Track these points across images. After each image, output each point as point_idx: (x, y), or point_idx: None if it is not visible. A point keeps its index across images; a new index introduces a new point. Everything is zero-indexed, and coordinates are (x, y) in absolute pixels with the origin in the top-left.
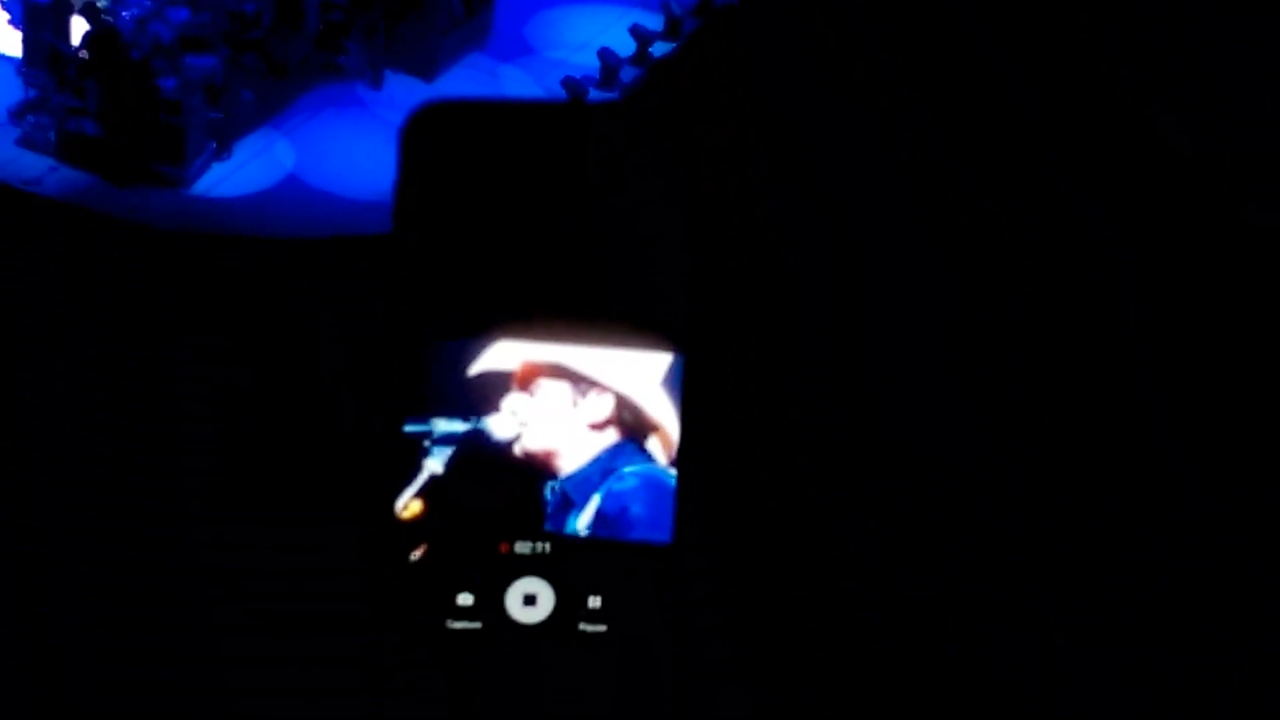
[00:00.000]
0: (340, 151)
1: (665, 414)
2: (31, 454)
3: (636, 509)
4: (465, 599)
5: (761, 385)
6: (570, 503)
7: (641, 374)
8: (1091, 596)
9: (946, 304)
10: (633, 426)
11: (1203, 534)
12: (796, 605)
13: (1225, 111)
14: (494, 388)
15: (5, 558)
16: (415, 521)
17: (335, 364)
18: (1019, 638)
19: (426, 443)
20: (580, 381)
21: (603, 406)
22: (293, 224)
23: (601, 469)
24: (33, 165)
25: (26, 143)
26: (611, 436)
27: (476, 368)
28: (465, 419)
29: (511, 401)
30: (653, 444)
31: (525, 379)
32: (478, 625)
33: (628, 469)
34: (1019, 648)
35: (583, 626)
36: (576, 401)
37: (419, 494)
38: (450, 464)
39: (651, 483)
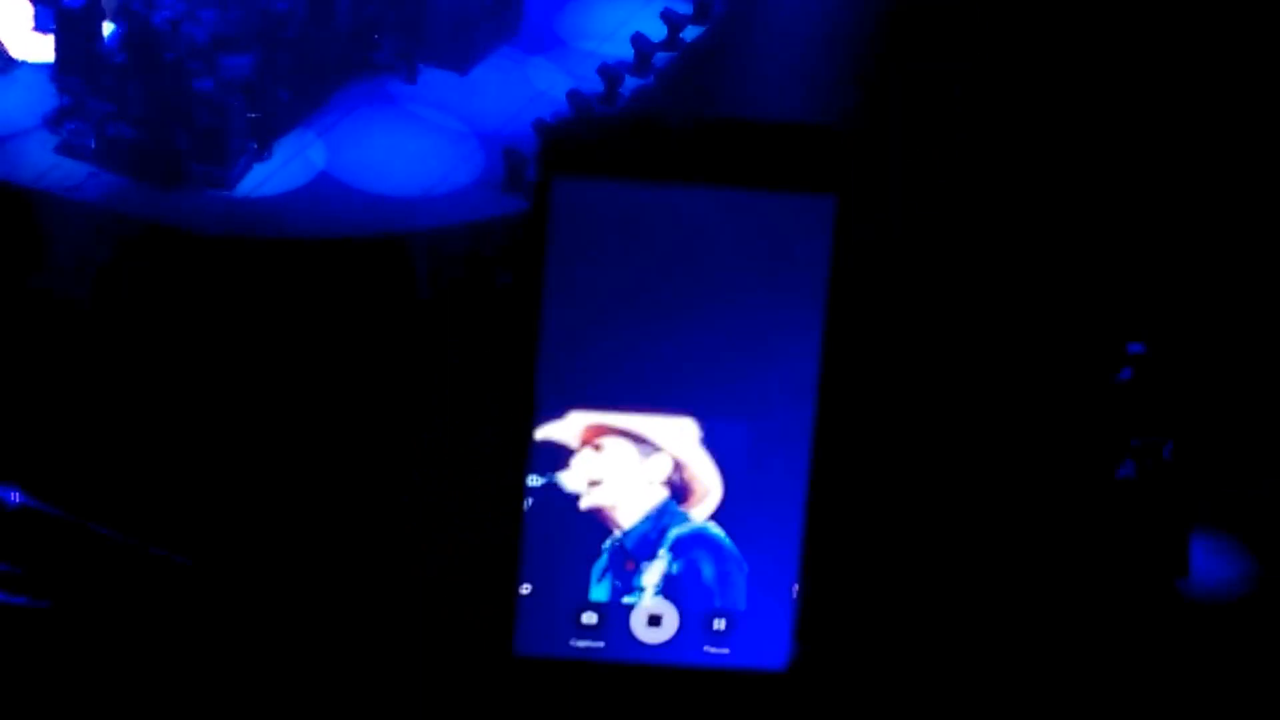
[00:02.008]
0: (372, 148)
1: (707, 472)
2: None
3: (708, 572)
4: (590, 617)
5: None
6: (631, 558)
7: (686, 437)
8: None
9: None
10: (677, 486)
11: None
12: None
13: None
14: (564, 448)
15: None
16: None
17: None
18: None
19: None
20: (642, 443)
21: (662, 466)
22: (326, 223)
23: (656, 527)
24: (73, 171)
25: (65, 149)
26: (662, 494)
27: (547, 432)
28: (541, 474)
29: (583, 458)
30: (692, 502)
31: (593, 437)
32: (601, 644)
33: (682, 530)
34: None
35: (706, 648)
36: (641, 461)
37: None
38: (528, 513)
39: (710, 546)
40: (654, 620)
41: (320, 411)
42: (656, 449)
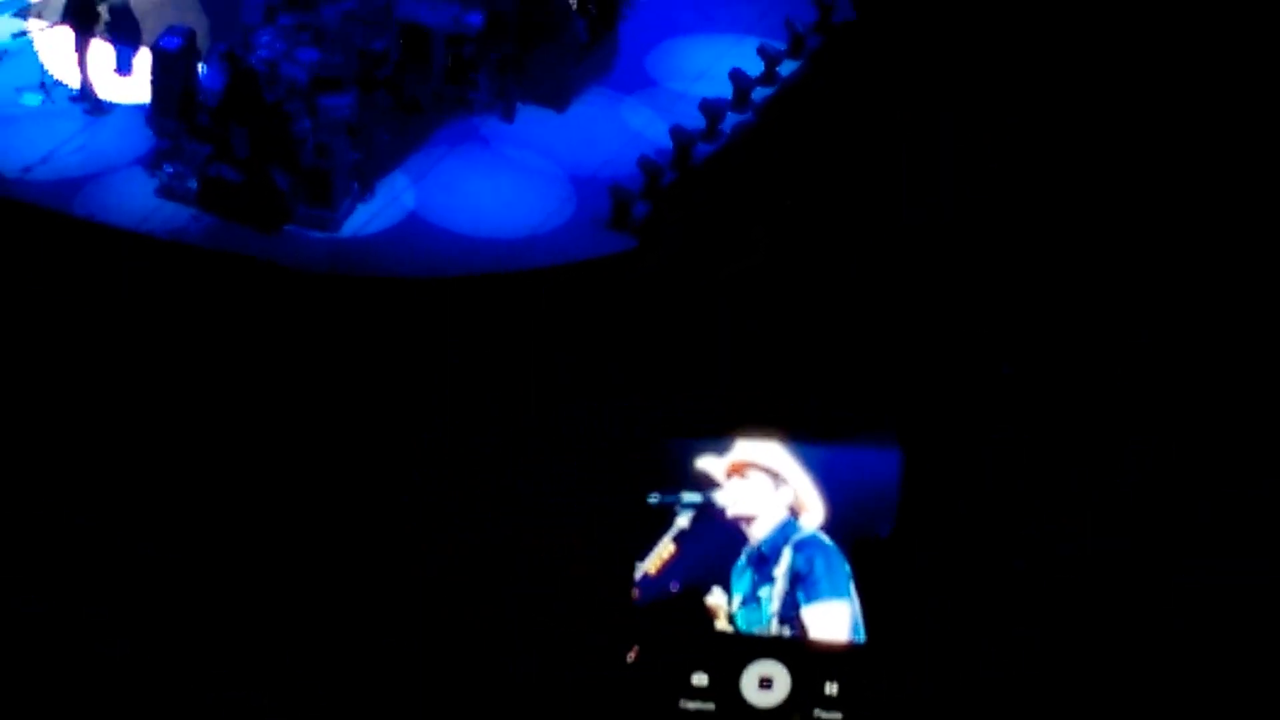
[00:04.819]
0: (461, 189)
1: (811, 496)
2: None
3: (820, 566)
4: (700, 679)
5: None
6: (765, 558)
7: (802, 471)
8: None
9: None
10: (794, 506)
11: None
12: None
13: None
14: (717, 474)
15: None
16: (669, 562)
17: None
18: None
19: (677, 507)
20: (775, 476)
21: (789, 495)
22: (416, 263)
23: (783, 535)
24: (175, 215)
25: (166, 193)
26: (784, 513)
27: (705, 462)
28: (700, 492)
29: (732, 484)
30: (804, 518)
31: (739, 469)
32: (711, 706)
33: (800, 537)
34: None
35: (818, 713)
36: (775, 489)
37: (673, 540)
38: (692, 521)
39: (822, 548)
40: (765, 683)
41: (320, 412)
42: (785, 481)
